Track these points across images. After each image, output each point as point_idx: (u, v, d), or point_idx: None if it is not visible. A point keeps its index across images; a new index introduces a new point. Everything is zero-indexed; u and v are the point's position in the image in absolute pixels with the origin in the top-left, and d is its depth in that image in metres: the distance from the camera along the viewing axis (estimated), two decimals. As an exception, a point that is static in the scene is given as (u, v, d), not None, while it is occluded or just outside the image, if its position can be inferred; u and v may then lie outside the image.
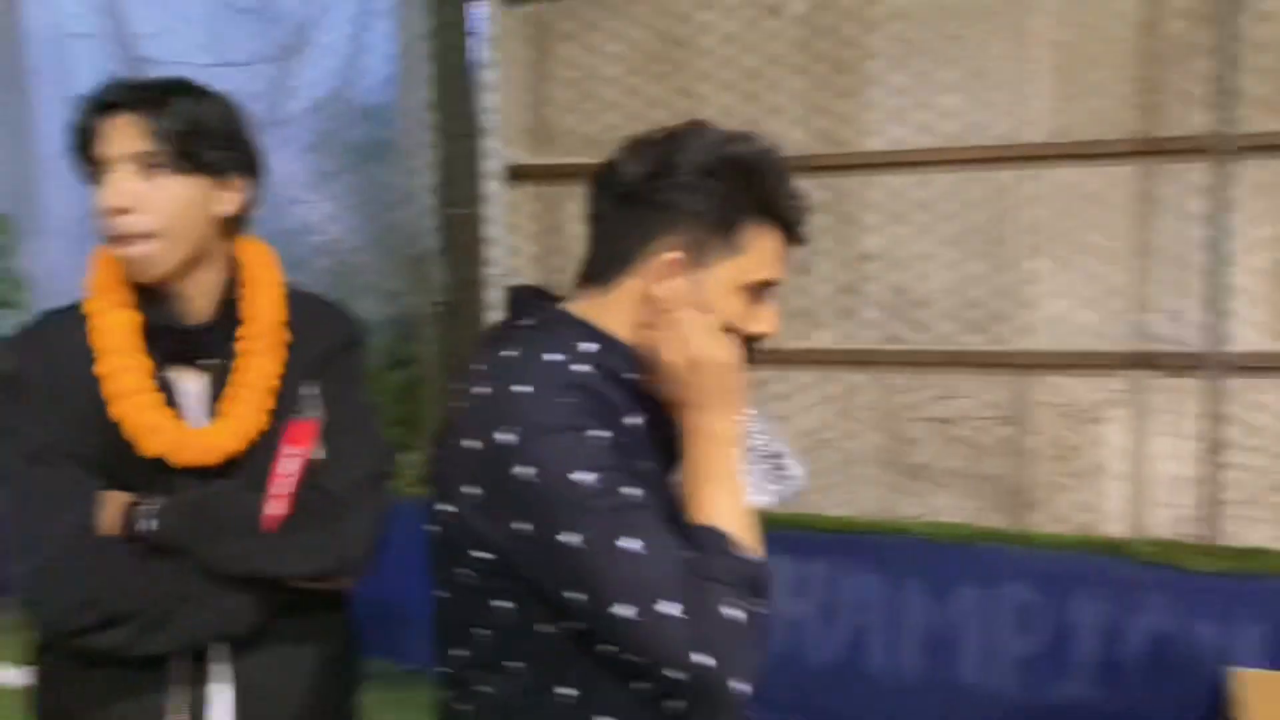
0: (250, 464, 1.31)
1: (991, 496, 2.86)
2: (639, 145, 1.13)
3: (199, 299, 1.33)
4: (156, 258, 1.27)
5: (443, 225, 3.21)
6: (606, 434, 1.05)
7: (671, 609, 0.99)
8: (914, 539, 2.79)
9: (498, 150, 3.15)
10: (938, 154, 2.81)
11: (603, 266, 1.14)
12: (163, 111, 1.26)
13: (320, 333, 1.40)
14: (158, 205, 1.26)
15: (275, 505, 1.30)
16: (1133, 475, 2.74)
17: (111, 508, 1.27)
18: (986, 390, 2.85)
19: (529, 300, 1.19)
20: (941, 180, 2.82)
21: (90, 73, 3.88)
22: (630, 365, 1.12)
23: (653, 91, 3.06)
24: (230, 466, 1.31)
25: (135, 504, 1.27)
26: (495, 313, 3.17)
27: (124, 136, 1.26)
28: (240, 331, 1.35)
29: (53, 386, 1.27)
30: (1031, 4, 2.71)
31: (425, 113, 3.24)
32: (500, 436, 1.04)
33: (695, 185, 1.09)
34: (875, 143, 2.88)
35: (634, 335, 1.12)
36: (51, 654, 1.33)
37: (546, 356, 1.09)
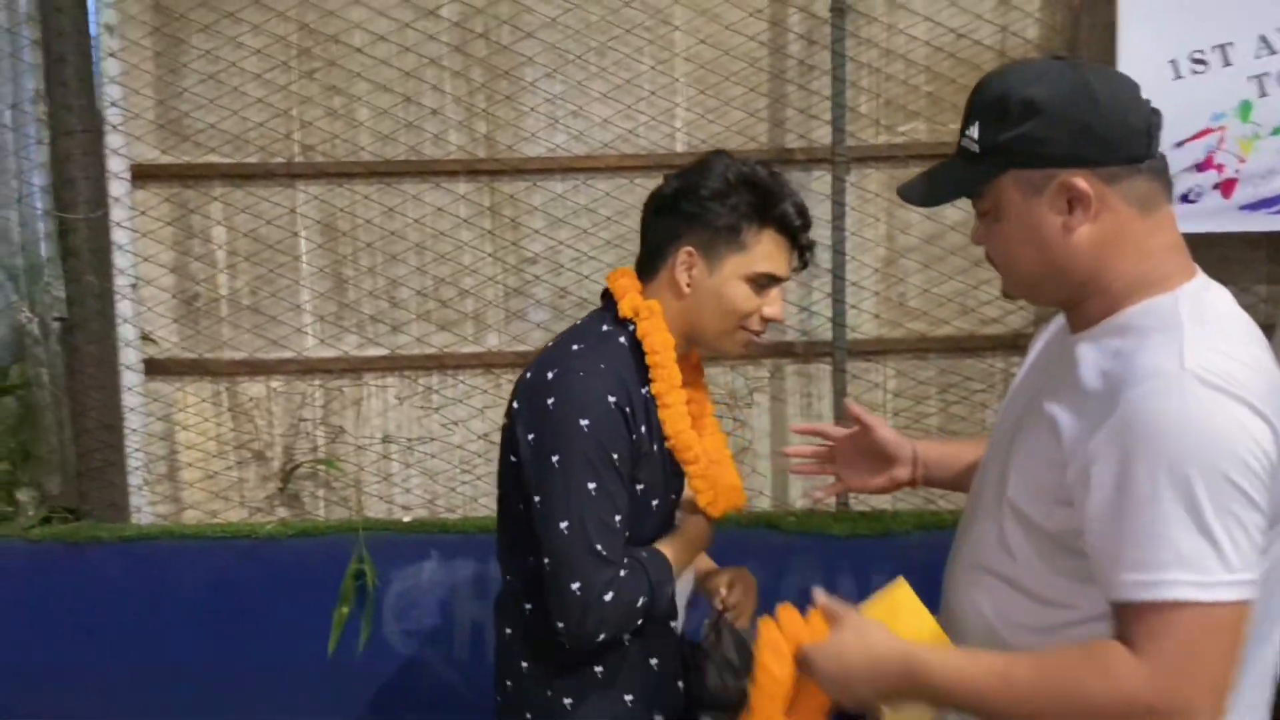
0: None
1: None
2: (678, 170, 1.57)
3: None
4: None
5: (60, 231, 2.86)
6: (622, 398, 1.47)
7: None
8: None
9: (122, 148, 2.86)
10: (593, 161, 2.93)
11: (646, 263, 1.58)
12: None
13: None
14: None
15: None
16: (775, 455, 3.02)
17: None
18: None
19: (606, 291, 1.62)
20: (599, 187, 2.94)
21: None
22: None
23: (301, 89, 2.92)
24: None
25: None
26: (126, 325, 2.88)
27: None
28: None
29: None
30: (674, 20, 2.90)
31: (33, 106, 2.87)
32: (546, 372, 1.50)
33: (711, 199, 1.50)
34: (535, 149, 2.95)
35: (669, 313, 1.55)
36: None
37: (604, 328, 1.57)
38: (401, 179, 2.95)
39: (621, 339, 1.55)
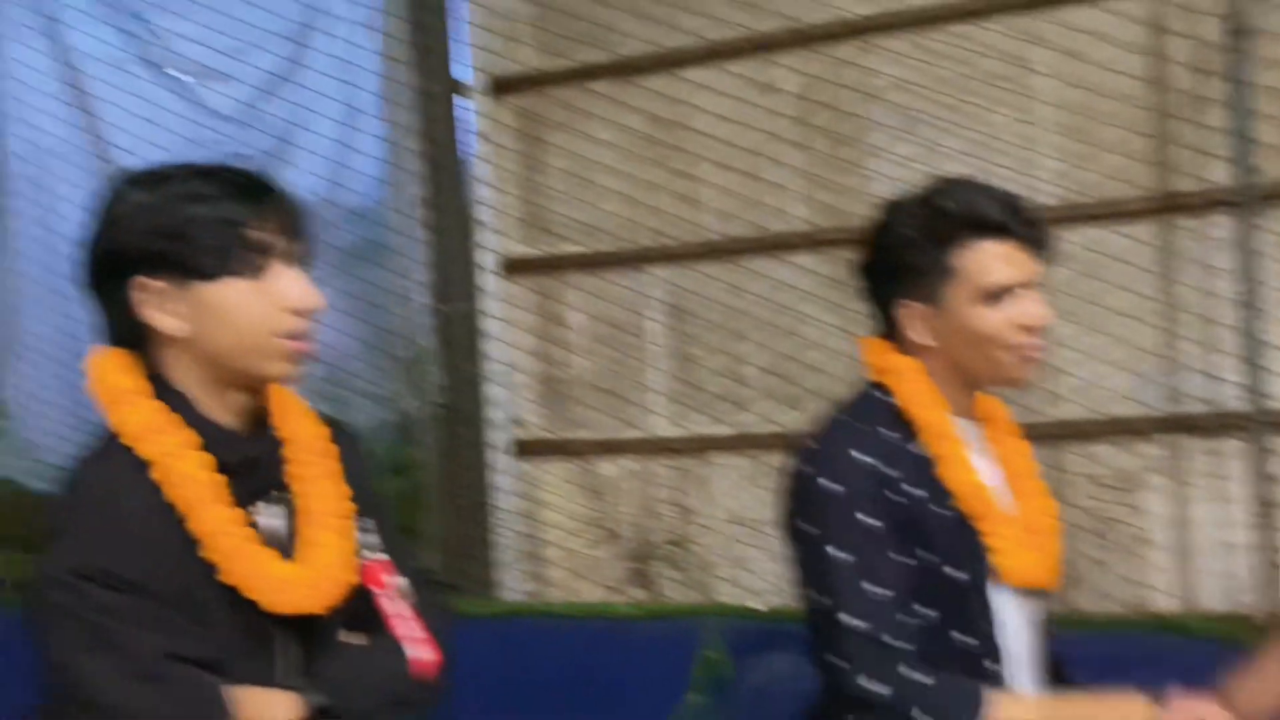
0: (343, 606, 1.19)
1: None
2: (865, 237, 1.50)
3: (229, 414, 1.17)
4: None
5: (438, 324, 3.10)
6: (881, 459, 1.36)
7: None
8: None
9: (492, 243, 3.06)
10: (948, 222, 2.73)
11: (882, 333, 1.49)
12: None
13: (346, 451, 1.27)
14: None
15: (420, 650, 1.19)
16: (1178, 545, 2.61)
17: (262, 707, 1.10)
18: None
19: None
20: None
21: (68, 189, 3.81)
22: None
23: (649, 176, 2.99)
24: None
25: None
26: (496, 410, 3.05)
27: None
28: (288, 453, 1.20)
29: (139, 568, 1.06)
30: (1034, 65, 2.67)
31: (416, 211, 3.16)
32: (807, 442, 1.43)
33: (896, 246, 1.43)
34: (883, 215, 2.80)
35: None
36: None
37: (866, 391, 1.48)
38: (746, 256, 2.91)
39: (883, 398, 1.44)
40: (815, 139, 2.86)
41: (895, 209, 1.47)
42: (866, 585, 1.31)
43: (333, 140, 3.52)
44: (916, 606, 1.35)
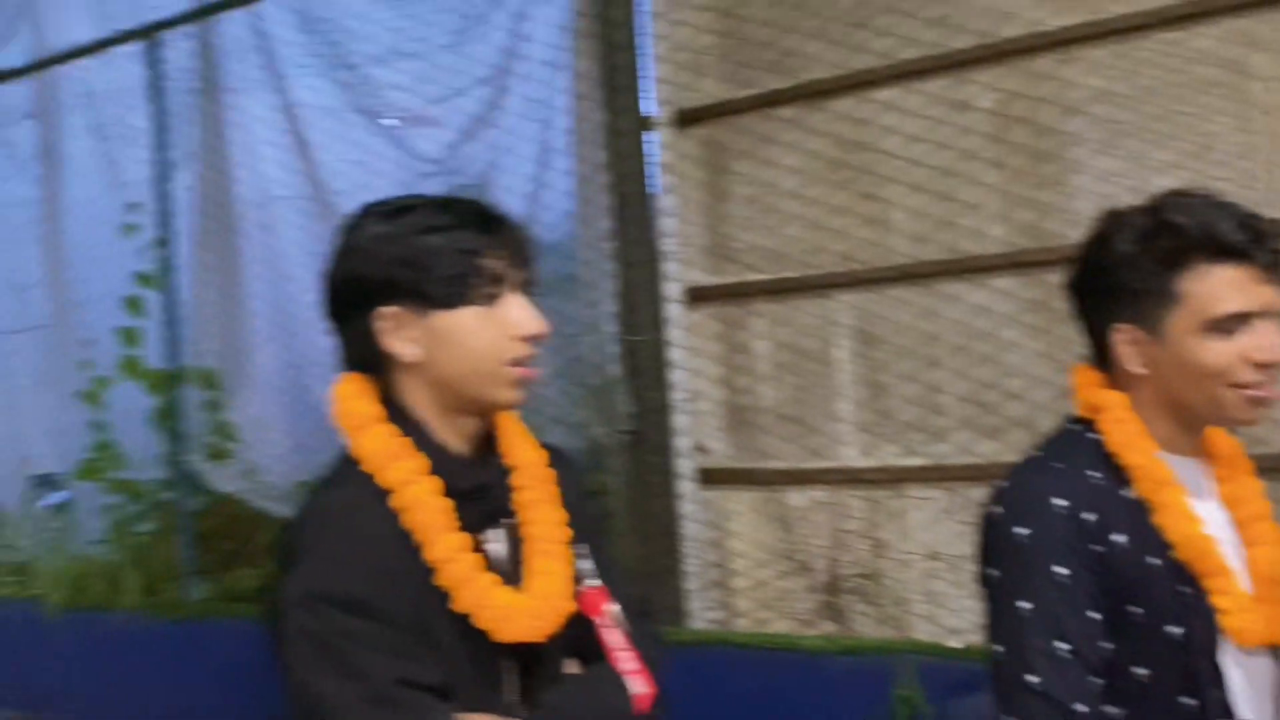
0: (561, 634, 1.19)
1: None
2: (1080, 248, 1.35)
3: (459, 439, 1.19)
4: None
5: (626, 352, 3.15)
6: (1080, 502, 1.25)
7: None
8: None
9: (677, 273, 3.09)
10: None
11: (1095, 356, 1.35)
12: None
13: (564, 476, 1.28)
14: None
15: (639, 683, 1.18)
16: None
17: None
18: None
19: None
20: (1167, 268, 2.56)
21: (292, 231, 4.11)
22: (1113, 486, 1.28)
23: (835, 200, 2.95)
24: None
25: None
26: (682, 438, 3.06)
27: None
28: (515, 480, 1.22)
29: (375, 592, 1.09)
30: (1253, 71, 2.48)
31: (605, 243, 3.22)
32: (1003, 480, 1.33)
33: (1119, 264, 1.27)
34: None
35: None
36: None
37: (1070, 426, 1.36)
38: (939, 279, 2.82)
39: (1090, 436, 1.31)
40: (1012, 156, 2.74)
41: (1117, 221, 1.31)
42: (1050, 641, 1.21)
43: (528, 178, 3.66)
44: (1131, 667, 1.24)
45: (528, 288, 1.21)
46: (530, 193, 3.60)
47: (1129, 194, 2.59)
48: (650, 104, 3.16)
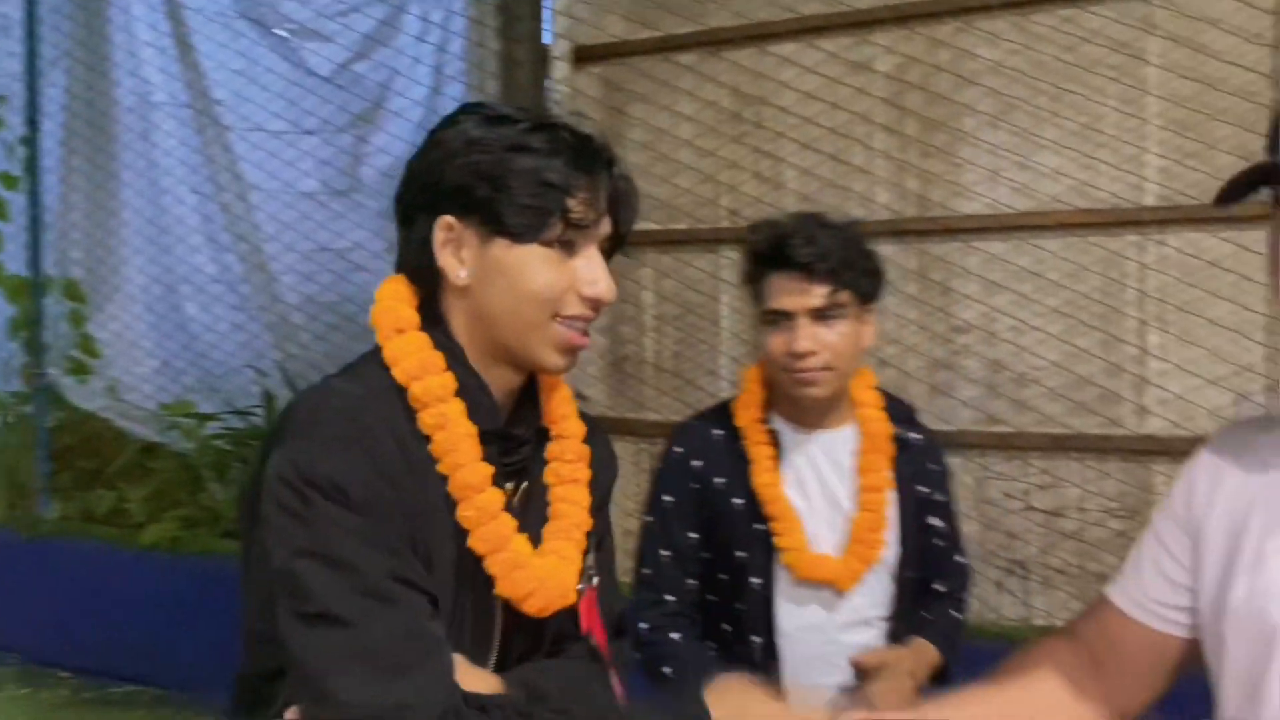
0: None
1: (1105, 599, 2.55)
2: None
3: (499, 396, 1.06)
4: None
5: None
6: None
7: None
8: (1014, 646, 2.48)
9: (568, 216, 3.01)
10: (1042, 218, 2.57)
11: None
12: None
13: (598, 454, 1.16)
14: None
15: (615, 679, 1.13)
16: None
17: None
18: (1098, 479, 2.56)
19: None
20: (1046, 246, 2.57)
21: (171, 141, 3.90)
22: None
23: (728, 153, 2.90)
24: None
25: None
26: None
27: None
28: (553, 451, 1.11)
29: (370, 489, 0.97)
30: (1148, 55, 2.48)
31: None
32: None
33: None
34: (971, 206, 2.66)
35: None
36: None
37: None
38: (824, 241, 2.79)
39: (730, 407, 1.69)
40: (906, 123, 2.72)
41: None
42: (658, 549, 1.59)
43: (419, 103, 3.52)
44: (707, 594, 1.58)
45: (612, 247, 1.05)
46: (420, 119, 3.47)
47: (1015, 169, 2.61)
48: (549, 36, 3.05)
